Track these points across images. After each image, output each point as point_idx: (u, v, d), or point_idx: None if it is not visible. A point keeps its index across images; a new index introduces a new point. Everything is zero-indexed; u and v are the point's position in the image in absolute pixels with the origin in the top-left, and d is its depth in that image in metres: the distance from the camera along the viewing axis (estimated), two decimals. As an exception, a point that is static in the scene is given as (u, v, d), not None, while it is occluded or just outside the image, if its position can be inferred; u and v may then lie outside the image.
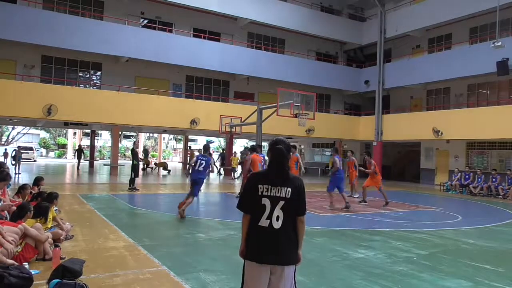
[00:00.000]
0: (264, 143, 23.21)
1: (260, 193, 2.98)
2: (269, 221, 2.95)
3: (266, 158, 13.14)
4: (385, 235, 8.31)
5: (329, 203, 12.17)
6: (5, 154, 28.28)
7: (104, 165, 29.64)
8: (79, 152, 28.93)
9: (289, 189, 2.98)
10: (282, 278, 2.96)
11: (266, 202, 2.96)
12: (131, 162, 16.30)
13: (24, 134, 52.45)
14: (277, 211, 2.95)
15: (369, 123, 26.73)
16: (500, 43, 17.41)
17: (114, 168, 22.50)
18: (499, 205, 15.02)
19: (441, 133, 21.90)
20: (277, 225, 2.95)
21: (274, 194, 2.96)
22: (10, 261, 4.70)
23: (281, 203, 2.95)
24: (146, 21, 23.69)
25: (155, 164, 28.78)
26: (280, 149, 3.05)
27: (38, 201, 6.99)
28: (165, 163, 30.21)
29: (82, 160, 28.53)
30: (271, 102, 18.12)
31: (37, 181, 9.12)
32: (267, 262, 2.95)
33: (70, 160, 46.44)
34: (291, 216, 2.99)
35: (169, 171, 27.45)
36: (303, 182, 3.11)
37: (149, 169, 28.87)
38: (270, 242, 2.95)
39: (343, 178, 12.24)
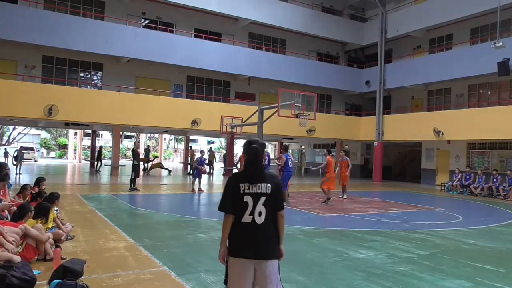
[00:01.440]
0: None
1: (242, 192, 3.08)
2: (252, 217, 3.06)
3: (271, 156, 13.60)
4: (385, 235, 8.30)
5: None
6: (6, 154, 28.27)
7: (105, 165, 29.63)
8: (100, 152, 28.43)
9: (269, 185, 3.11)
10: (266, 272, 3.05)
11: (248, 199, 3.06)
12: (131, 162, 16.28)
13: (25, 134, 52.46)
14: (260, 207, 3.06)
15: (370, 123, 26.72)
16: (500, 44, 17.39)
17: (115, 169, 22.51)
18: (499, 205, 15.01)
19: (442, 134, 21.89)
20: (259, 220, 3.06)
21: (256, 191, 3.08)
22: (16, 257, 4.69)
23: (263, 198, 3.07)
24: (147, 21, 23.70)
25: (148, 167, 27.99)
26: (256, 148, 3.19)
27: (38, 201, 6.98)
28: (159, 164, 29.83)
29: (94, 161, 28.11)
30: (272, 103, 18.13)
31: (38, 181, 9.11)
32: (251, 257, 3.04)
33: (71, 160, 46.49)
34: (272, 211, 3.11)
35: (170, 171, 27.41)
36: (280, 179, 3.28)
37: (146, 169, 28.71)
38: (254, 237, 3.05)
39: (290, 176, 12.75)
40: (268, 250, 3.07)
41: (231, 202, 3.10)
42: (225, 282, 3.17)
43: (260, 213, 3.06)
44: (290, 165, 12.71)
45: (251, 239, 3.05)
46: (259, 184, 3.09)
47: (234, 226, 3.11)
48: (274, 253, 3.10)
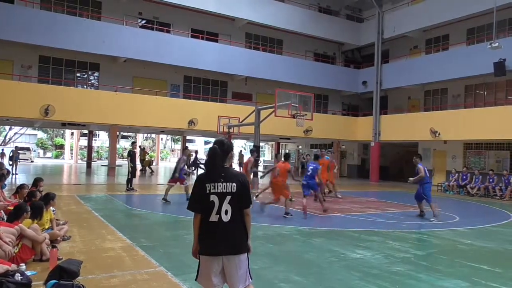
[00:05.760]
0: (262, 144, 23.18)
1: (208, 191, 3.20)
2: (218, 215, 3.20)
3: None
4: (382, 235, 8.31)
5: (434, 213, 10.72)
6: (2, 155, 28.14)
7: (102, 165, 29.52)
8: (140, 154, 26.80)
9: (234, 184, 3.23)
10: (236, 265, 3.23)
11: (214, 198, 3.20)
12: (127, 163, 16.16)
13: (21, 134, 52.24)
14: (225, 206, 3.20)
15: (367, 123, 26.76)
16: (497, 44, 17.44)
17: (111, 169, 22.43)
18: (496, 205, 15.07)
19: (439, 134, 21.93)
20: (226, 218, 3.20)
21: (221, 190, 3.21)
22: (7, 266, 4.64)
23: (228, 197, 3.21)
24: (144, 21, 23.66)
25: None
26: (213, 148, 3.32)
27: (32, 201, 6.88)
28: (149, 160, 29.24)
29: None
30: (269, 103, 18.12)
31: (36, 181, 9.05)
32: (221, 253, 3.20)
33: (67, 160, 46.34)
34: (238, 209, 3.25)
35: (152, 172, 26.65)
36: (246, 178, 3.40)
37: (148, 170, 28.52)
38: (222, 235, 3.19)
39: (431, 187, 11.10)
40: (236, 246, 3.22)
41: (199, 201, 3.23)
42: (196, 279, 3.31)
43: (226, 212, 3.20)
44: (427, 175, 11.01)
45: (220, 237, 3.18)
46: (224, 183, 3.21)
47: (203, 226, 3.25)
48: (242, 248, 3.26)
